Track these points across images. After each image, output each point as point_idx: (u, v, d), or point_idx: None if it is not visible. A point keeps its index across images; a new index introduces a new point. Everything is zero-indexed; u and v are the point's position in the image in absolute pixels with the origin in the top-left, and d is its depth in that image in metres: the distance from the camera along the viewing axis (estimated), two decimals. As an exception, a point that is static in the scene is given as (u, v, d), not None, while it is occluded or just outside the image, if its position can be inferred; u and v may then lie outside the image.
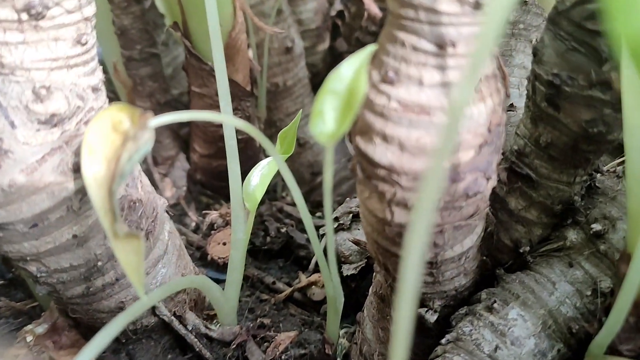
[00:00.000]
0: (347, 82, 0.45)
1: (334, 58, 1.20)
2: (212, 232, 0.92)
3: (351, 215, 0.86)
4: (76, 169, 0.53)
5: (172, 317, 0.69)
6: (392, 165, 0.51)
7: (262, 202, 1.01)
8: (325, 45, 1.18)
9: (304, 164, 1.10)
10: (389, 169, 0.51)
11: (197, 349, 0.72)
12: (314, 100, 0.46)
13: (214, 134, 0.96)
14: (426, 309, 0.64)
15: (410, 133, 0.49)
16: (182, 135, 1.06)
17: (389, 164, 0.51)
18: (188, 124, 1.06)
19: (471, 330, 0.60)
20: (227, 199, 1.05)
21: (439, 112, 0.48)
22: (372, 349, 0.71)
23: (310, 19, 1.14)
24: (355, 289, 0.83)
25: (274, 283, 0.89)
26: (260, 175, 0.68)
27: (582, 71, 0.53)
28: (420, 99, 0.48)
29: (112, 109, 0.45)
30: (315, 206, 1.09)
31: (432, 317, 0.64)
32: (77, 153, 0.53)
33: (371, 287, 0.74)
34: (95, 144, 0.46)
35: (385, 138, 0.50)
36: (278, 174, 1.12)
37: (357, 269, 0.81)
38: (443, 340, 0.61)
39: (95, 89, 0.55)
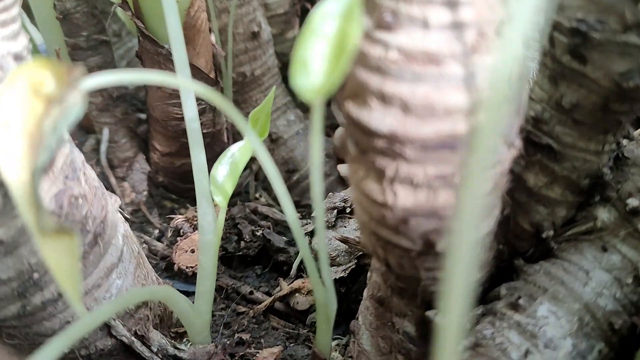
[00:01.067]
0: (338, 21, 0.35)
1: (306, 46, 1.10)
2: (179, 239, 0.81)
3: (336, 211, 0.75)
4: (-4, 156, 0.42)
5: (133, 338, 0.58)
6: (393, 132, 0.41)
7: (233, 204, 0.91)
8: (294, 31, 1.08)
9: (278, 162, 1.00)
10: (389, 137, 0.41)
11: (165, 374, 0.61)
12: (295, 45, 0.36)
13: (175, 129, 0.85)
14: (435, 311, 0.54)
15: (415, 89, 0.39)
16: (140, 133, 0.95)
17: (389, 132, 0.41)
18: (146, 120, 0.95)
19: (493, 333, 0.50)
20: (194, 202, 0.93)
21: (451, 61, 0.39)
22: (371, 362, 0.61)
23: (277, 3, 1.04)
24: (345, 294, 0.73)
25: (251, 293, 0.78)
26: (230, 163, 0.58)
27: (614, 12, 0.44)
28: (427, 45, 0.38)
29: (30, 67, 0.34)
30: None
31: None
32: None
33: (366, 290, 0.63)
34: (11, 114, 0.35)
35: (383, 99, 0.40)
36: (249, 173, 1.01)
37: (347, 271, 0.71)
38: (460, 347, 0.51)
39: (18, 57, 0.44)
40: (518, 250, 0.56)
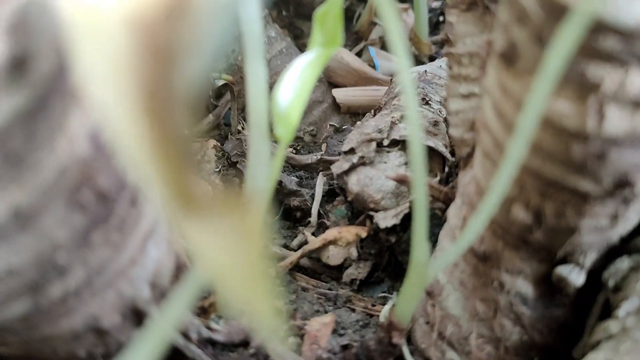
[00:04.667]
0: None
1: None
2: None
3: (374, 144, 0.61)
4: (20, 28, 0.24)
5: (166, 325, 0.42)
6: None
7: (224, 139, 0.74)
8: None
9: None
10: (632, 33, 0.28)
11: (202, 366, 0.46)
12: None
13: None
14: (570, 267, 0.42)
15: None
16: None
17: (636, 24, 0.28)
18: None
19: (666, 293, 0.39)
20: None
21: None
22: (463, 330, 0.49)
23: None
24: (392, 246, 0.60)
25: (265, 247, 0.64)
26: (299, 82, 0.42)
27: None
28: None
29: None
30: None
31: (578, 278, 0.43)
32: None
33: (447, 242, 0.51)
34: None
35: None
36: (229, 99, 0.84)
37: (399, 217, 0.58)
38: (621, 312, 0.40)
39: None
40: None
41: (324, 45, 0.43)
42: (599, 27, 0.29)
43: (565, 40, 0.29)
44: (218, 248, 0.19)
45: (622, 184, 0.35)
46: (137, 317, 0.40)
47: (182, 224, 0.19)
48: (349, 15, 0.99)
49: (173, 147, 0.18)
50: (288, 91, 0.42)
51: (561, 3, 0.29)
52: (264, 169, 0.44)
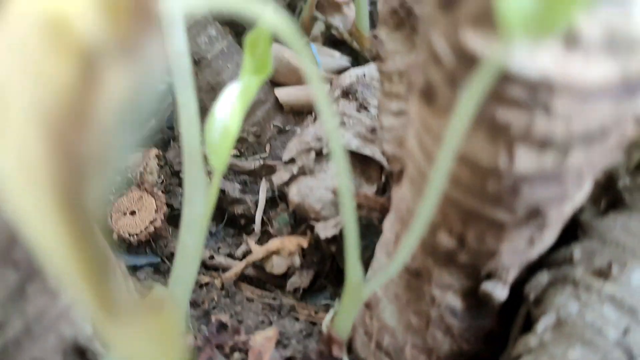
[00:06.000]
0: None
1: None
2: (110, 198, 0.64)
3: (313, 153, 0.63)
4: None
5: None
6: (546, 77, 0.29)
7: (167, 144, 0.74)
8: None
9: (203, 88, 0.83)
10: (536, 84, 0.30)
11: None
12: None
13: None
14: (494, 283, 0.45)
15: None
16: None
17: (540, 77, 0.29)
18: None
19: (580, 308, 0.42)
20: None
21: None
22: (399, 340, 0.51)
23: None
24: (334, 254, 0.62)
25: (211, 257, 0.65)
26: (230, 112, 0.42)
27: None
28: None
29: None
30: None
31: (502, 293, 0.45)
32: None
33: (382, 255, 0.53)
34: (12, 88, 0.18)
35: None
36: (171, 103, 0.84)
37: (339, 227, 0.59)
38: (539, 327, 0.43)
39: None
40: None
41: (254, 72, 0.43)
42: (506, 77, 0.30)
43: (476, 86, 0.31)
44: (139, 352, 0.20)
45: (534, 214, 0.37)
46: (79, 353, 0.41)
47: (102, 327, 0.19)
48: (292, 10, 0.99)
49: (89, 253, 0.19)
50: (223, 117, 0.42)
51: (471, 53, 0.31)
52: (199, 196, 0.45)
